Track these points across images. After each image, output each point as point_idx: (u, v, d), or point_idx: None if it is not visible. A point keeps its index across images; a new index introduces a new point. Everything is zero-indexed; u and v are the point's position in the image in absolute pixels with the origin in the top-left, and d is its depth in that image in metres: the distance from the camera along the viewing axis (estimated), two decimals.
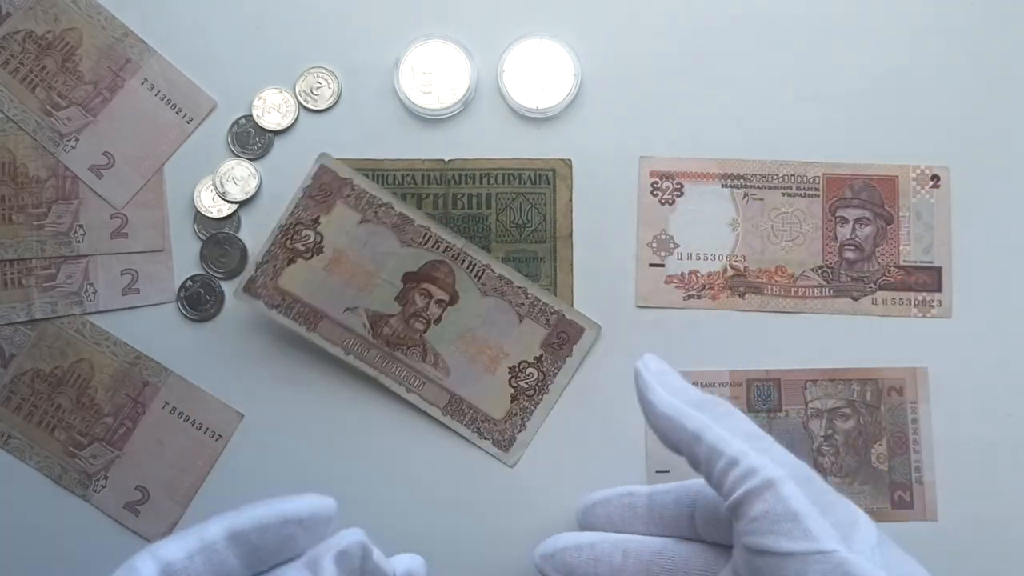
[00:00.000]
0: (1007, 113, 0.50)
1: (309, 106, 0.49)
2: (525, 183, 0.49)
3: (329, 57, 0.50)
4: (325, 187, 0.48)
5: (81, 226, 0.49)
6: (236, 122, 0.49)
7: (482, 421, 0.49)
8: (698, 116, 0.50)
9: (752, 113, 0.50)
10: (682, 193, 0.50)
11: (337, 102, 0.49)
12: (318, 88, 0.49)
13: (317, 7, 0.50)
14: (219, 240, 0.49)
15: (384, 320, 0.48)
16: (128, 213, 0.49)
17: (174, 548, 0.32)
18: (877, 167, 0.49)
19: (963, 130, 0.50)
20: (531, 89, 0.49)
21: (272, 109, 0.49)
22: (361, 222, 0.48)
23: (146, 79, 0.49)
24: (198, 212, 0.49)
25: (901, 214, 0.49)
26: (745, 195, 0.49)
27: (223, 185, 0.49)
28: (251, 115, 0.49)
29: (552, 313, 0.49)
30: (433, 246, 0.48)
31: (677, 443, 0.38)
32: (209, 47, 0.49)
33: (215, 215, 0.49)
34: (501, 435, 0.49)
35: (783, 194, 0.49)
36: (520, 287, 0.49)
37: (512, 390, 0.49)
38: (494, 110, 0.50)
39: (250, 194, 0.49)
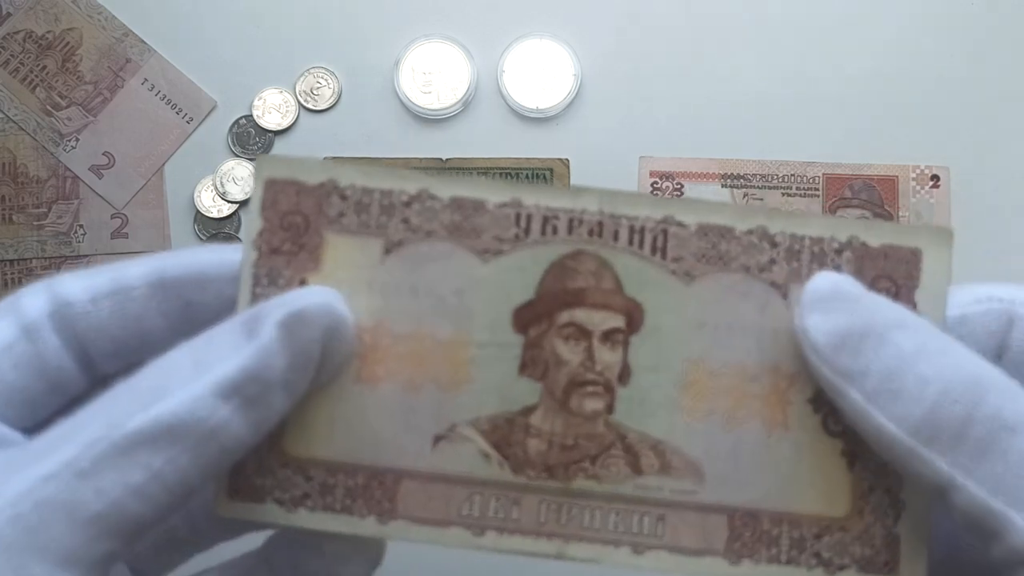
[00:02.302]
0: (1008, 113, 0.50)
1: (309, 106, 0.49)
2: (522, 182, 0.49)
3: (329, 57, 0.50)
4: (291, 217, 0.28)
5: (81, 226, 0.49)
6: (236, 122, 0.49)
7: (818, 537, 0.28)
8: (698, 116, 0.50)
9: (752, 113, 0.50)
10: (682, 193, 0.50)
11: (337, 102, 0.49)
12: (318, 88, 0.49)
13: (317, 7, 0.50)
14: (220, 240, 0.49)
15: (519, 427, 0.27)
16: (128, 213, 0.49)
17: (78, 287, 0.25)
18: (877, 167, 0.49)
19: (963, 130, 0.50)
20: (531, 89, 0.49)
21: (272, 109, 0.49)
22: (387, 252, 0.28)
23: (146, 79, 0.49)
24: (198, 212, 0.49)
25: (901, 214, 0.49)
26: (745, 195, 0.49)
27: (223, 185, 0.49)
28: (251, 115, 0.49)
29: (842, 246, 0.28)
30: (547, 231, 0.28)
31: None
32: (209, 47, 0.50)
33: (215, 215, 0.49)
34: (866, 546, 0.28)
35: (783, 194, 0.49)
36: (754, 228, 0.28)
37: (840, 444, 0.28)
38: (494, 110, 0.50)
39: (251, 194, 0.49)
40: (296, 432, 0.27)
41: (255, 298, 0.27)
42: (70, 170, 0.49)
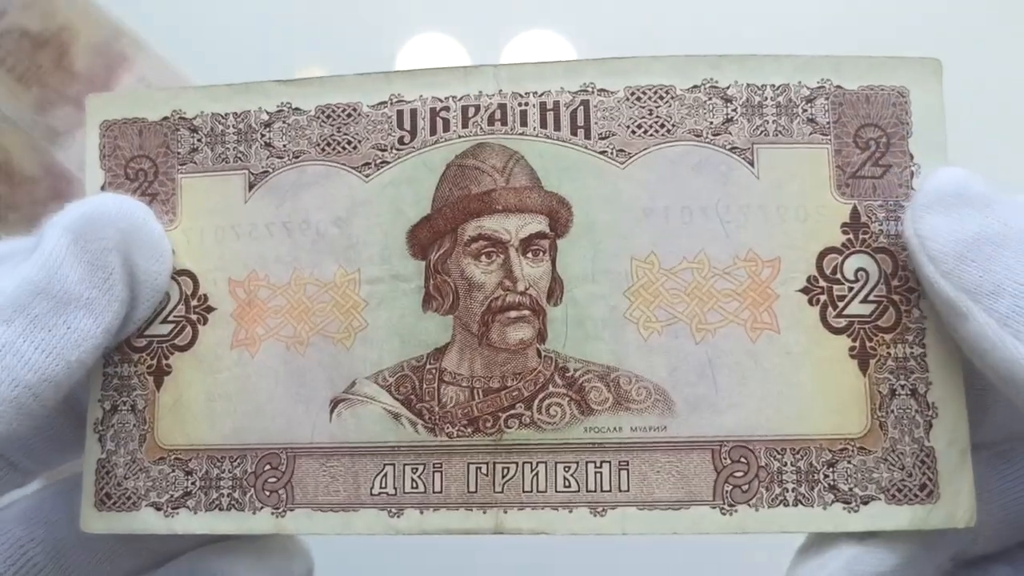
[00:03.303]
0: (1012, 114, 0.49)
1: None
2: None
3: (324, 52, 0.49)
4: (136, 164, 0.24)
5: None
6: None
7: (831, 465, 0.22)
8: None
9: None
10: None
11: None
12: None
13: (312, 2, 0.49)
14: None
15: (431, 375, 0.22)
16: None
17: None
18: None
19: (968, 130, 0.48)
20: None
21: None
22: (251, 187, 0.23)
23: (141, 76, 0.49)
24: None
25: None
26: None
27: None
28: None
29: (813, 92, 0.23)
30: (437, 127, 0.23)
31: None
32: (203, 44, 0.49)
33: None
34: (894, 468, 0.22)
35: None
36: (699, 83, 0.23)
37: (848, 341, 0.23)
38: None
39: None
40: (169, 418, 0.23)
41: None
42: (65, 169, 0.48)
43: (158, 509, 0.23)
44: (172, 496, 0.23)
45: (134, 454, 0.23)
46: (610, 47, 0.49)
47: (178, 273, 0.24)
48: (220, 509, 0.23)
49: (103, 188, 0.24)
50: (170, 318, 0.24)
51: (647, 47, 0.48)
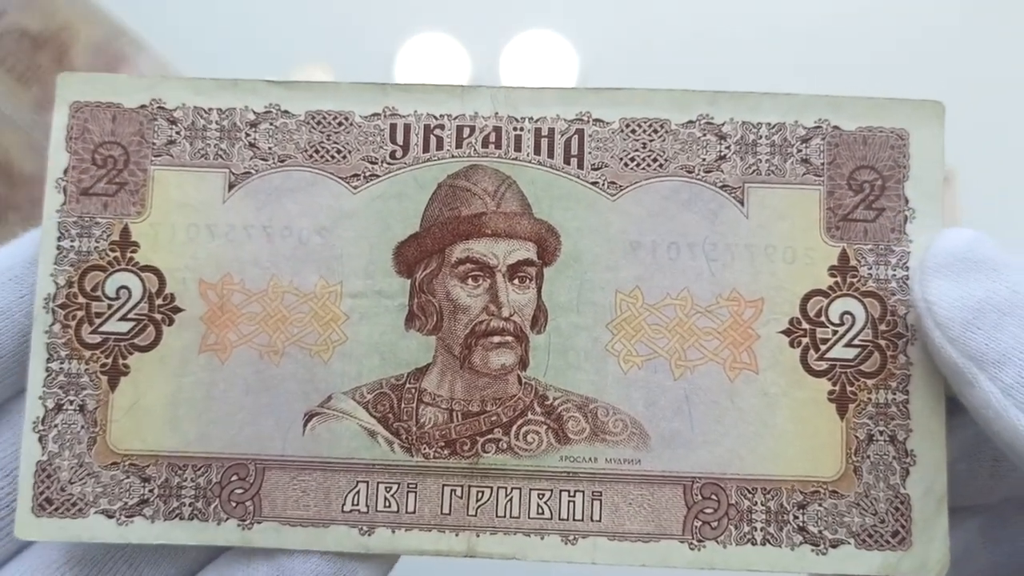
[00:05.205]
0: (1015, 114, 0.49)
1: None
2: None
3: (323, 51, 0.49)
4: (106, 150, 0.23)
5: None
6: None
7: (802, 507, 0.22)
8: None
9: None
10: None
11: None
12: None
13: (313, 2, 0.49)
14: None
15: (410, 395, 0.22)
16: None
17: None
18: None
19: (971, 132, 0.48)
20: (531, 82, 0.49)
21: None
22: (232, 187, 0.23)
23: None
24: None
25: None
26: None
27: None
28: None
29: (809, 132, 0.23)
30: (431, 145, 0.23)
31: None
32: (202, 43, 0.49)
33: None
34: (867, 514, 0.23)
35: None
36: (695, 119, 0.23)
37: (827, 385, 0.23)
38: None
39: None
40: (125, 422, 0.22)
41: (61, 253, 0.22)
42: None
43: (109, 517, 0.22)
44: (126, 504, 0.22)
45: (81, 458, 0.23)
46: (610, 47, 0.49)
47: (142, 269, 0.23)
48: (181, 518, 0.22)
49: (66, 172, 0.23)
50: (130, 316, 0.23)
51: (646, 49, 0.48)
